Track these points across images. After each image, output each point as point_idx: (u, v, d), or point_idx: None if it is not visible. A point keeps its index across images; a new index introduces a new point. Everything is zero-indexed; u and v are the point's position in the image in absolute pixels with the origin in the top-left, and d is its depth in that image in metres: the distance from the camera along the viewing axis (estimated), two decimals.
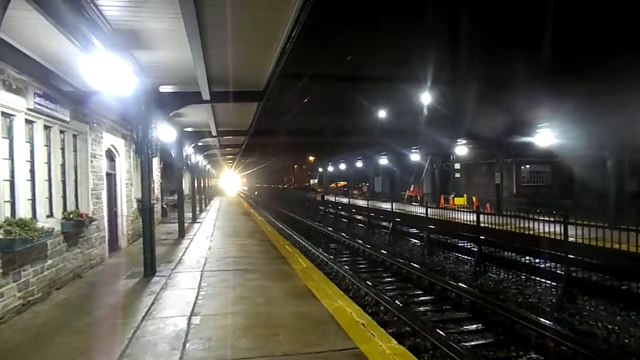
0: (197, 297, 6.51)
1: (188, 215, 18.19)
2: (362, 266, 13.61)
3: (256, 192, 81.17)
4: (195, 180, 23.15)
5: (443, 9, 21.69)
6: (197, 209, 21.89)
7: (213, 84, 7.95)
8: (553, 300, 8.94)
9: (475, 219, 13.27)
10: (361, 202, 31.64)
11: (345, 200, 33.76)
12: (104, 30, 5.00)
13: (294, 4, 4.60)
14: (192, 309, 5.88)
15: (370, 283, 10.56)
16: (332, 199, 37.38)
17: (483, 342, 7.05)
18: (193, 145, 17.03)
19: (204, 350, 4.50)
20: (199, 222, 18.61)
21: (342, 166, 50.21)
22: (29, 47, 5.81)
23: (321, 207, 34.38)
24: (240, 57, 6.53)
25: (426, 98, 22.10)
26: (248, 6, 4.71)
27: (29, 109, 6.17)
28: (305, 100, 21.48)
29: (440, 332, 6.97)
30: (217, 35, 5.43)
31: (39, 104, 6.33)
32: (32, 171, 6.55)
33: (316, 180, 69.36)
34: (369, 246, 15.80)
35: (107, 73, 5.72)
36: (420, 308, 8.95)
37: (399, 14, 23.20)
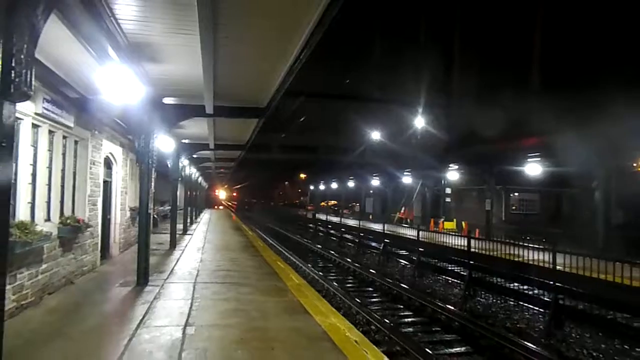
0: (191, 308, 6.52)
1: (179, 226, 18.10)
2: (352, 285, 13.64)
3: (246, 207, 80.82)
4: (188, 192, 23.12)
5: (438, 38, 22.39)
6: (188, 220, 21.81)
7: (217, 98, 8.11)
8: (540, 327, 9.06)
9: (465, 243, 13.44)
10: (352, 222, 31.72)
11: (336, 219, 33.82)
12: (120, 41, 5.17)
13: (307, 26, 4.81)
14: (187, 320, 5.89)
15: (360, 301, 10.60)
16: (322, 217, 37.40)
17: None
18: (189, 157, 17.10)
19: (200, 359, 4.53)
20: (190, 234, 18.54)
21: (334, 185, 50.40)
22: (41, 53, 5.92)
23: (311, 225, 34.37)
24: (248, 74, 6.72)
25: (420, 122, 22.59)
26: (262, 27, 4.92)
27: (36, 114, 6.26)
28: (302, 119, 21.77)
29: (431, 352, 7.04)
30: (228, 52, 5.62)
31: (47, 109, 6.43)
32: (33, 175, 6.59)
33: (307, 198, 69.34)
34: (358, 265, 15.85)
35: (117, 82, 5.83)
36: (411, 329, 9.01)
37: (397, 41, 23.85)
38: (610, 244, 15.28)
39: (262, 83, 7.44)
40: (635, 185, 17.23)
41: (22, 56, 2.43)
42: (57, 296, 6.96)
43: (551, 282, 9.78)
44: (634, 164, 17.82)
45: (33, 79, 2.53)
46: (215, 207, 66.22)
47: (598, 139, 14.85)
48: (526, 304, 10.46)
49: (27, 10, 2.40)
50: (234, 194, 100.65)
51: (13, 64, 2.39)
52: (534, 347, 7.34)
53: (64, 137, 7.68)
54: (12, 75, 2.39)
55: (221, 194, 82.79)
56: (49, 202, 7.23)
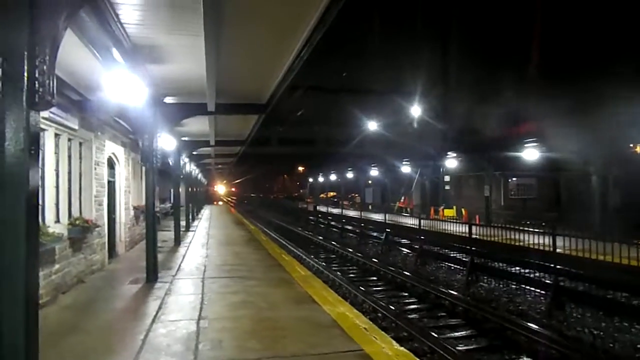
0: (202, 302, 6.68)
1: (181, 223, 18.26)
2: (356, 275, 13.86)
3: (246, 201, 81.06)
4: (189, 189, 23.28)
5: (435, 29, 22.43)
6: (190, 217, 21.96)
7: (219, 96, 8.21)
8: (542, 308, 9.29)
9: (466, 230, 13.66)
10: (352, 213, 31.96)
11: (336, 210, 34.05)
12: (124, 44, 5.27)
13: (308, 24, 4.92)
14: (200, 313, 6.05)
15: (365, 290, 10.82)
16: (323, 209, 37.62)
17: (477, 346, 7.35)
18: (189, 154, 17.21)
19: (216, 350, 4.69)
20: (193, 230, 18.68)
21: (333, 177, 50.57)
22: None
23: (312, 217, 34.58)
24: (250, 72, 6.83)
25: (417, 111, 22.71)
26: (265, 27, 5.04)
27: (43, 118, 6.36)
28: (301, 112, 21.86)
29: (437, 336, 7.25)
30: (231, 52, 5.73)
31: (53, 113, 6.54)
32: (42, 178, 6.71)
33: (306, 190, 69.57)
34: (361, 255, 16.08)
35: (122, 84, 5.95)
36: (416, 315, 9.23)
37: (395, 32, 23.89)
38: (608, 227, 15.48)
39: (264, 80, 7.55)
40: (632, 169, 17.39)
41: (45, 67, 2.56)
42: (70, 295, 7.13)
43: (551, 265, 10.00)
44: (631, 145, 17.98)
45: (55, 88, 2.66)
46: (215, 202, 66.45)
47: (597, 125, 14.99)
48: (528, 287, 10.68)
49: (49, 23, 2.53)
50: (233, 189, 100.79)
51: (37, 75, 2.52)
52: (536, 327, 7.56)
53: (69, 140, 7.80)
54: (37, 85, 2.52)
55: (220, 189, 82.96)
56: (57, 204, 7.36)
